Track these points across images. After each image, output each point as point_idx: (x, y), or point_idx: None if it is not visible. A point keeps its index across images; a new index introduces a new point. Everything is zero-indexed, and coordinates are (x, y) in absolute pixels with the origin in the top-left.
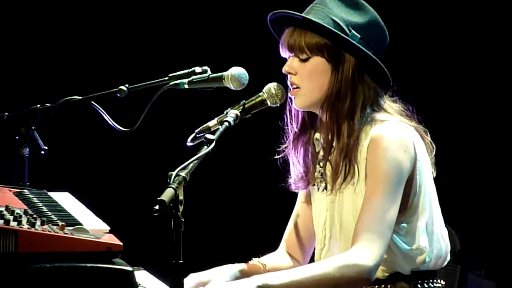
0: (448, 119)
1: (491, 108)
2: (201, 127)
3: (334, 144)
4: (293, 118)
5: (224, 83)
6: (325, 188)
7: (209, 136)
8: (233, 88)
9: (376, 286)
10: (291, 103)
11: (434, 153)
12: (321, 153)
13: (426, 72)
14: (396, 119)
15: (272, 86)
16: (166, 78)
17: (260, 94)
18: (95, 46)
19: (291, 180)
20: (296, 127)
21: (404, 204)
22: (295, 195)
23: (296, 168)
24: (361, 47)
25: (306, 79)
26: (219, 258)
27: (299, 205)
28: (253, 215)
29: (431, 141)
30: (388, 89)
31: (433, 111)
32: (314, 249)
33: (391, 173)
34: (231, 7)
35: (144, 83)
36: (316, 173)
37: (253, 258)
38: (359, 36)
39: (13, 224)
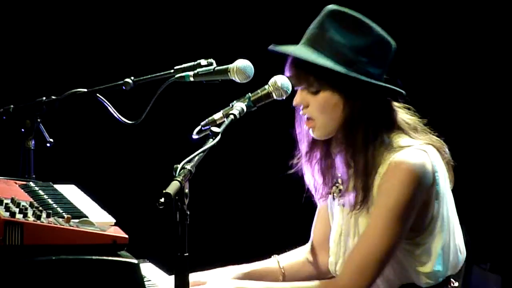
0: (454, 112)
1: (497, 100)
2: (206, 120)
3: (350, 173)
4: (303, 136)
5: (229, 75)
6: (343, 204)
7: (214, 129)
8: (238, 81)
9: None
10: (298, 113)
11: (453, 174)
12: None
13: (430, 72)
14: (417, 142)
15: (277, 79)
16: (172, 70)
17: (266, 87)
18: (101, 38)
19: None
20: (307, 146)
21: (419, 226)
22: (303, 186)
23: (311, 180)
24: (365, 79)
25: (320, 112)
26: (225, 251)
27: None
28: (260, 208)
29: (450, 158)
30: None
31: (438, 105)
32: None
33: (399, 208)
34: None
35: (149, 76)
36: (333, 188)
37: (274, 255)
38: (365, 60)
39: (19, 216)
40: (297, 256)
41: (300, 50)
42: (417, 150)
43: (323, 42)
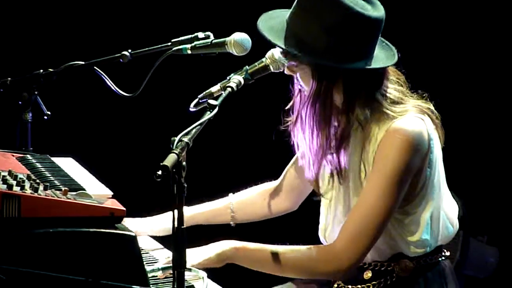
0: (452, 88)
1: (494, 80)
2: (204, 93)
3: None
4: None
5: (227, 48)
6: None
7: (212, 101)
8: (236, 54)
9: (379, 264)
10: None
11: (443, 133)
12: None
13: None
14: (413, 111)
15: (275, 52)
16: (169, 43)
17: (263, 59)
18: (98, 11)
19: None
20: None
21: (410, 194)
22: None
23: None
24: (322, 62)
25: (302, 82)
26: (222, 225)
27: None
28: (257, 181)
29: (442, 126)
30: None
31: (437, 84)
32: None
33: (396, 174)
34: None
35: (146, 49)
36: None
37: (230, 194)
38: (334, 39)
39: (16, 189)
40: (251, 194)
41: (275, 32)
42: (414, 117)
43: (297, 20)
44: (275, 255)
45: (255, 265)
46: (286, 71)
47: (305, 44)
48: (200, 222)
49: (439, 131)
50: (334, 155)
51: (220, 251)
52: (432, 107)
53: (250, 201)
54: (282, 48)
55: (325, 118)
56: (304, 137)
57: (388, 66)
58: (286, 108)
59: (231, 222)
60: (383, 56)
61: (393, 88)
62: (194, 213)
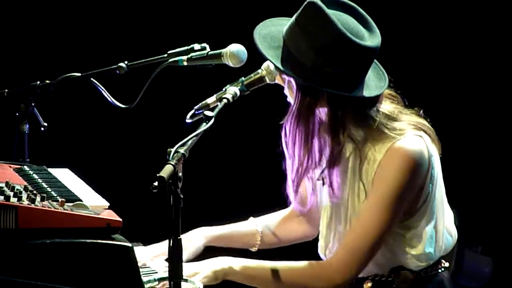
0: (446, 97)
1: (491, 86)
2: (200, 104)
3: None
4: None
5: (223, 60)
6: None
7: (208, 113)
8: (232, 65)
9: (380, 275)
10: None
11: (440, 147)
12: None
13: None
14: (410, 129)
15: (270, 63)
16: (165, 55)
17: (259, 71)
18: (94, 23)
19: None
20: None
21: (412, 209)
22: None
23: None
24: (312, 85)
25: (289, 95)
26: None
27: None
28: (253, 193)
29: (438, 139)
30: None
31: (431, 89)
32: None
33: (396, 195)
34: None
35: (143, 60)
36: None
37: (251, 218)
38: (322, 60)
39: (13, 200)
40: (274, 220)
41: (268, 40)
42: (414, 136)
43: (290, 34)
44: (272, 272)
45: (252, 282)
46: (277, 81)
47: (293, 59)
48: (222, 244)
49: (437, 145)
50: (326, 173)
51: (218, 268)
52: (427, 123)
53: (274, 227)
54: (267, 59)
55: (307, 134)
56: (287, 151)
57: (372, 96)
58: (281, 122)
59: (253, 248)
60: (373, 83)
61: (387, 105)
62: (219, 234)
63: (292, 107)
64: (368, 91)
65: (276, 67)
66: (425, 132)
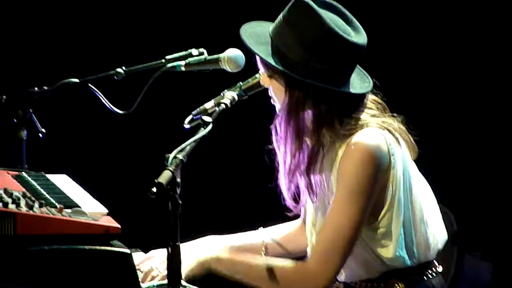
0: (443, 101)
1: (488, 90)
2: (197, 109)
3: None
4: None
5: (220, 65)
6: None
7: (206, 118)
8: (229, 70)
9: (369, 284)
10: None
11: (415, 147)
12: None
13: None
14: (371, 126)
15: (260, 67)
16: (163, 60)
17: (257, 75)
18: (92, 28)
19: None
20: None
21: (377, 211)
22: None
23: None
24: (292, 75)
25: (274, 94)
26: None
27: None
28: (252, 198)
29: (409, 137)
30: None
31: (427, 94)
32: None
33: (359, 187)
34: None
35: (141, 66)
36: None
37: (260, 228)
38: (310, 55)
39: (12, 206)
40: (283, 232)
41: (254, 38)
42: (372, 131)
43: (278, 31)
44: (250, 269)
45: (235, 276)
46: (262, 82)
47: (281, 55)
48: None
49: (408, 146)
50: (304, 176)
51: (200, 259)
52: (403, 128)
53: (282, 239)
54: (256, 55)
55: (297, 130)
56: (279, 153)
57: (358, 94)
58: (271, 126)
59: None
60: (357, 84)
61: (364, 112)
62: (227, 245)
63: (282, 105)
64: (353, 90)
65: (264, 61)
66: (391, 133)
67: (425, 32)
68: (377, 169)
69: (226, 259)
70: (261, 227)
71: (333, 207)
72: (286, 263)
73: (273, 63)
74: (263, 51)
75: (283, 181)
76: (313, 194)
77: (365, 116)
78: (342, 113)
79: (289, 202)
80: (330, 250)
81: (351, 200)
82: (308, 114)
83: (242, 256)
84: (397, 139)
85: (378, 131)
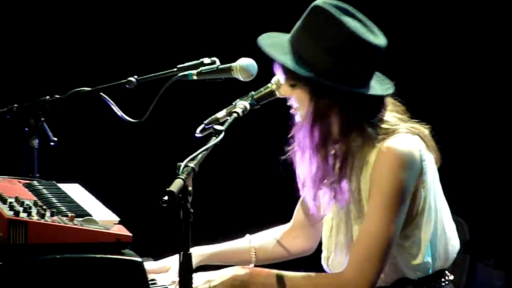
0: (456, 109)
1: (497, 99)
2: (209, 118)
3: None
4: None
5: (232, 74)
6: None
7: (217, 127)
8: (241, 79)
9: None
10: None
11: (439, 155)
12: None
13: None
14: (403, 132)
15: (280, 77)
16: (175, 69)
17: (269, 85)
18: (104, 37)
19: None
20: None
21: (408, 218)
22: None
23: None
24: (317, 79)
25: (297, 104)
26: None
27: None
28: (263, 207)
29: (435, 144)
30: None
31: (441, 101)
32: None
33: (394, 194)
34: None
35: (153, 74)
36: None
37: (247, 235)
38: (334, 60)
39: (23, 215)
40: (270, 236)
41: (276, 48)
42: (404, 136)
43: (299, 40)
44: (287, 282)
45: None
46: (282, 92)
47: (305, 63)
48: (217, 261)
49: (434, 154)
50: (336, 182)
51: (235, 274)
52: (427, 133)
53: (269, 243)
54: (281, 64)
55: (323, 142)
56: (302, 163)
57: (385, 95)
58: (289, 136)
59: (249, 265)
60: (378, 88)
61: (391, 115)
62: (213, 251)
63: (307, 115)
64: (377, 92)
65: (289, 71)
66: (422, 139)
67: (428, 39)
68: (410, 173)
69: (257, 274)
70: (248, 234)
71: (369, 214)
72: (321, 274)
73: (302, 72)
74: (288, 60)
75: (308, 191)
76: (342, 200)
77: (393, 119)
78: (370, 117)
79: (313, 209)
80: (368, 257)
81: (386, 205)
82: (334, 121)
83: (275, 270)
84: (427, 145)
85: (410, 136)
